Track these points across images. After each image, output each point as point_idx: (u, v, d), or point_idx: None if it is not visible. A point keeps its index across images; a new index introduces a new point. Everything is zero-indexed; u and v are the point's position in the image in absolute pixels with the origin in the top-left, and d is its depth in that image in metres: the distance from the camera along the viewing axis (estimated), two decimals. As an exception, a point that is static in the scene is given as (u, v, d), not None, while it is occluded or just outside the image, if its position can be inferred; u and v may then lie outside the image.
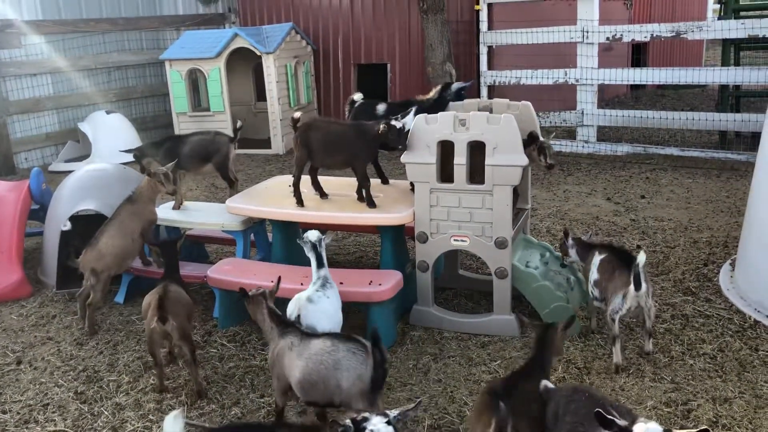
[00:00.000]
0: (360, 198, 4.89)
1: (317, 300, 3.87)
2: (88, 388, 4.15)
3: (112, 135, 10.16)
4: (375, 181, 5.51)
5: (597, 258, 4.32)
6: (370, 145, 4.74)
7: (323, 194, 5.02)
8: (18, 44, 9.84)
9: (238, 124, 5.71)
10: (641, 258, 3.87)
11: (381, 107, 5.39)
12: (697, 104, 12.91)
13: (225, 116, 10.75)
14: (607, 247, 4.45)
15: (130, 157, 6.12)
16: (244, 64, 11.37)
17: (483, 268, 5.50)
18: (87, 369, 4.38)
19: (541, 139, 4.74)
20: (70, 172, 6.31)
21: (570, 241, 4.63)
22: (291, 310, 3.88)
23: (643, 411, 3.63)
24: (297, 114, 4.91)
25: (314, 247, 4.04)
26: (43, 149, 10.84)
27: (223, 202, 5.29)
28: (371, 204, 4.76)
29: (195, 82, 11.39)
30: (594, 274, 4.30)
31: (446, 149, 4.49)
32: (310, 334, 3.48)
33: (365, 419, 2.58)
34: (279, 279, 3.92)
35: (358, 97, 5.61)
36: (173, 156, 5.54)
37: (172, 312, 3.91)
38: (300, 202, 4.85)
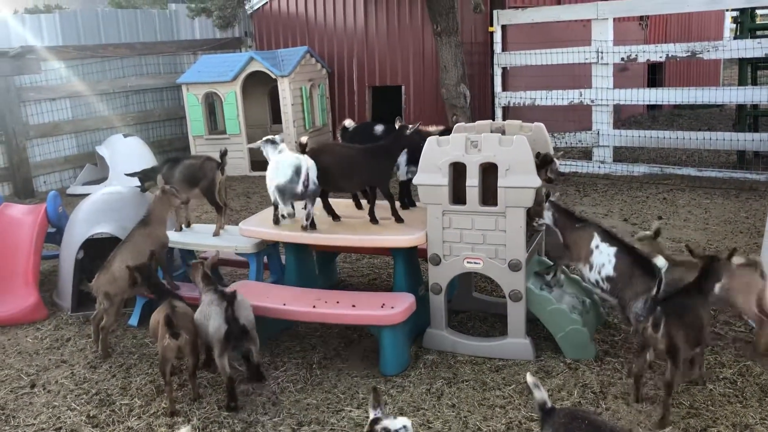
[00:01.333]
0: (372, 220, 4.88)
1: None
2: (100, 412, 4.14)
3: (130, 158, 10.24)
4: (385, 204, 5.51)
5: (606, 247, 4.29)
6: (390, 163, 4.89)
7: (336, 216, 5.01)
8: (38, 69, 10.02)
9: (223, 149, 5.71)
10: (663, 263, 4.05)
11: (379, 128, 5.40)
12: (715, 124, 12.81)
13: (241, 138, 10.84)
14: (608, 234, 4.40)
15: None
16: (260, 87, 11.47)
17: (497, 291, 5.45)
18: (100, 392, 4.37)
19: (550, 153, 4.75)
20: (87, 194, 6.37)
21: (547, 203, 4.56)
22: None
23: (661, 437, 3.55)
24: (303, 138, 4.96)
25: None
26: (61, 172, 10.98)
27: (236, 225, 5.30)
28: (399, 219, 4.84)
29: (211, 105, 11.51)
30: (609, 270, 4.24)
31: (458, 170, 4.47)
32: (223, 292, 4.21)
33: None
34: (217, 252, 4.89)
35: (349, 123, 5.65)
36: (169, 179, 5.63)
37: (182, 327, 4.00)
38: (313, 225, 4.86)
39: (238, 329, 4.07)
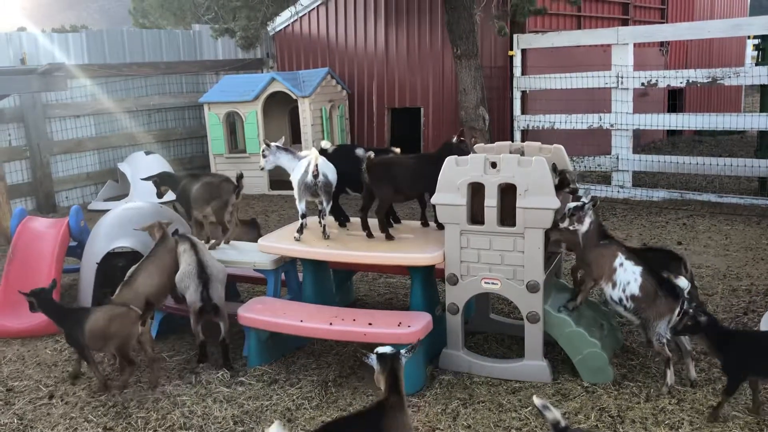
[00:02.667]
0: (388, 237, 4.90)
1: None
2: (116, 424, 4.15)
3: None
4: (406, 223, 5.53)
5: (632, 266, 4.27)
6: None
7: (389, 235, 5.00)
8: (64, 87, 10.17)
9: (239, 172, 5.80)
10: (685, 284, 4.08)
11: (359, 151, 5.43)
12: (736, 151, 12.74)
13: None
14: (632, 252, 4.40)
15: (167, 196, 6.26)
16: (281, 108, 11.60)
17: (514, 312, 5.42)
18: (116, 405, 4.39)
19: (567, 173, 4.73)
20: (108, 210, 6.45)
21: (592, 211, 4.41)
22: None
23: (680, 463, 3.50)
24: (324, 143, 5.08)
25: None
26: (83, 188, 11.15)
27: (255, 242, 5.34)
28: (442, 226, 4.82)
29: (232, 124, 11.65)
30: (634, 288, 4.23)
31: (477, 190, 4.48)
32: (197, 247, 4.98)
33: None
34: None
35: (326, 144, 5.67)
36: (186, 194, 5.74)
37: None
38: (389, 236, 4.95)
39: (211, 307, 4.81)
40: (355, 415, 3.65)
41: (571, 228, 4.40)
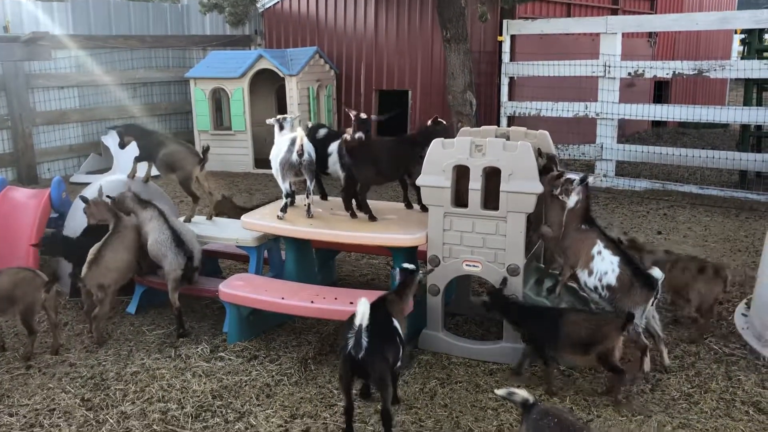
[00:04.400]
0: (371, 218, 4.93)
1: None
2: (94, 396, 4.16)
3: (134, 149, 10.28)
4: (390, 204, 5.55)
5: (609, 255, 4.30)
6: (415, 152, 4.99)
7: (372, 216, 5.02)
8: (48, 57, 10.06)
9: (205, 146, 5.79)
10: (659, 275, 4.16)
11: (322, 131, 5.45)
12: (719, 143, 12.86)
13: (246, 136, 10.89)
14: (610, 240, 4.44)
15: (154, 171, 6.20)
16: (268, 86, 11.52)
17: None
18: (95, 377, 4.40)
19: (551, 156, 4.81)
20: (90, 183, 6.40)
21: (581, 186, 4.42)
22: None
23: (650, 446, 3.57)
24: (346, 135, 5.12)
25: None
26: (65, 161, 11.03)
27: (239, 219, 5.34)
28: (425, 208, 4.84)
29: (218, 101, 11.55)
30: (611, 278, 4.25)
31: (461, 173, 4.50)
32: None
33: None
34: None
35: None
36: (151, 152, 5.79)
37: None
38: (372, 217, 4.95)
39: (192, 271, 4.97)
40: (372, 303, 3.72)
41: (560, 197, 4.47)
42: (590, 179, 4.47)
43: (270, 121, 5.47)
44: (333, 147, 5.23)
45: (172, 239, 4.95)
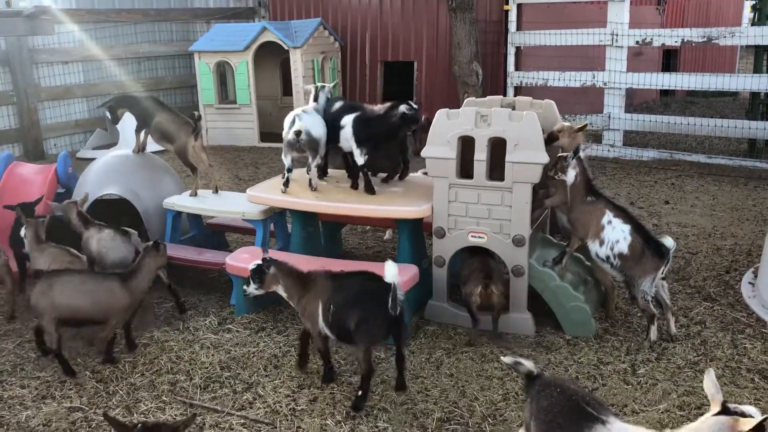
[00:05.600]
0: (355, 185, 5.00)
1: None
2: (104, 368, 4.21)
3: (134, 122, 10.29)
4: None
5: (620, 224, 4.31)
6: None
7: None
8: (51, 31, 9.97)
9: (197, 114, 5.75)
10: (672, 244, 4.21)
11: (338, 104, 5.22)
12: (728, 112, 12.73)
13: (251, 109, 10.85)
14: (620, 209, 4.45)
15: (156, 145, 6.19)
16: (272, 58, 11.45)
17: (504, 272, 5.46)
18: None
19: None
20: (96, 159, 6.41)
21: (574, 160, 4.39)
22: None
23: (656, 414, 3.60)
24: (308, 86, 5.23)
25: None
26: (71, 136, 11.03)
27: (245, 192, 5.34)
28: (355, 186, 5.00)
29: (223, 74, 11.50)
30: (623, 247, 4.27)
31: (467, 144, 4.48)
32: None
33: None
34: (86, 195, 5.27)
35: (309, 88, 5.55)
36: (146, 119, 5.75)
37: None
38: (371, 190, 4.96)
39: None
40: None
41: (556, 177, 4.44)
42: (582, 152, 4.43)
43: (308, 87, 5.33)
44: (347, 120, 5.00)
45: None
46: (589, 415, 2.55)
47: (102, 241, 4.87)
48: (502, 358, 3.05)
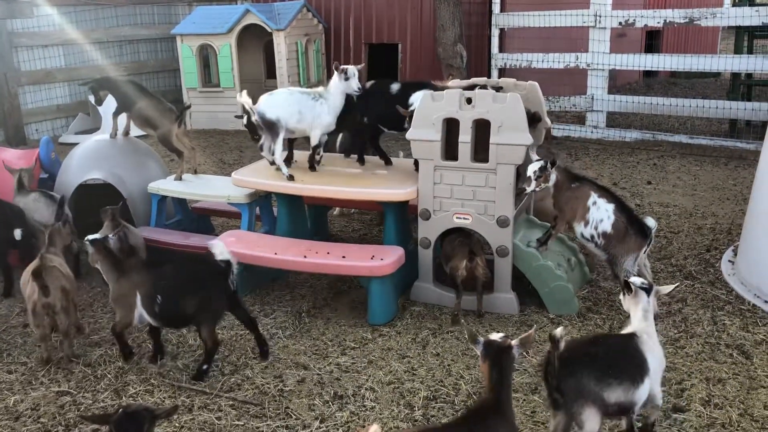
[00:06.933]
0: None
1: None
2: (92, 352, 4.22)
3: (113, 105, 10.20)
4: (378, 160, 5.55)
5: (604, 203, 4.40)
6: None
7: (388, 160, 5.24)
8: (30, 14, 9.87)
9: (187, 103, 5.77)
10: (654, 224, 4.33)
11: (395, 86, 5.11)
12: (709, 93, 12.82)
13: (235, 93, 10.71)
14: (604, 189, 4.53)
15: (139, 130, 6.15)
16: (255, 41, 11.36)
17: (484, 248, 5.52)
18: (91, 334, 4.45)
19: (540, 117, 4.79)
20: (78, 144, 6.36)
21: (554, 169, 4.40)
22: None
23: (637, 389, 3.67)
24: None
25: None
26: (53, 121, 10.92)
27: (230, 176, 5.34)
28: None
29: (206, 58, 11.40)
30: (606, 226, 4.36)
31: (451, 127, 4.50)
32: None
33: None
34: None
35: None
36: (127, 104, 5.75)
37: (53, 285, 3.93)
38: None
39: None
40: None
41: (538, 189, 4.45)
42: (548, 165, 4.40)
43: (342, 66, 4.92)
44: (415, 97, 4.79)
45: None
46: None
47: (27, 203, 5.19)
48: (554, 331, 2.78)
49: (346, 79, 4.85)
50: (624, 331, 3.17)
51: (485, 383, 2.75)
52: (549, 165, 4.40)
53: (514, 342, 2.72)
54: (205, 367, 3.91)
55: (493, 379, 2.68)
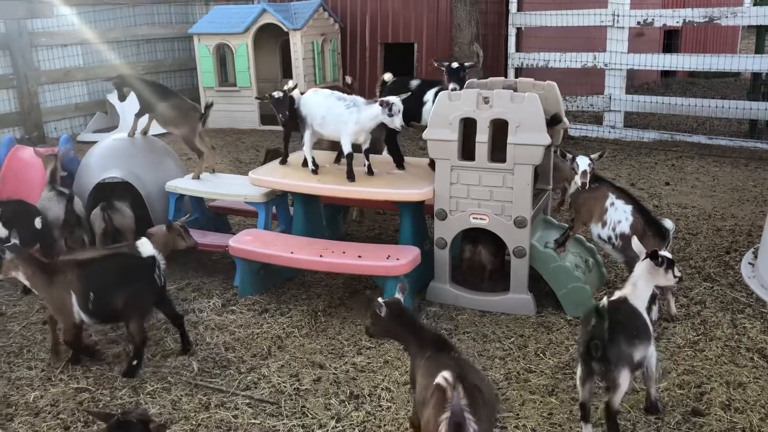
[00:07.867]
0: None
1: None
2: (109, 349, 4.25)
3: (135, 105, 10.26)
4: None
5: (622, 205, 4.40)
6: None
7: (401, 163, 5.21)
8: (50, 14, 9.93)
9: (209, 101, 5.80)
10: (672, 225, 4.31)
11: (414, 82, 5.31)
12: (729, 93, 12.69)
13: (251, 92, 10.81)
14: (622, 191, 4.53)
15: (159, 128, 6.18)
16: (272, 41, 11.40)
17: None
18: (108, 332, 4.48)
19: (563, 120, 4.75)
20: (97, 142, 6.41)
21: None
22: None
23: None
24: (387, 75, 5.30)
25: None
26: (72, 119, 11.00)
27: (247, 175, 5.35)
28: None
29: (223, 57, 11.45)
30: (625, 227, 4.35)
31: (468, 126, 4.49)
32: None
33: None
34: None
35: (388, 77, 5.59)
36: (150, 103, 5.76)
37: None
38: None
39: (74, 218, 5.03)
40: None
41: (586, 188, 4.41)
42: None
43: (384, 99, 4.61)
44: (429, 95, 5.00)
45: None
46: None
47: (42, 200, 5.20)
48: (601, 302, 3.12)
49: (390, 115, 4.54)
50: (615, 297, 3.33)
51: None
52: (598, 157, 4.44)
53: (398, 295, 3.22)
54: (135, 362, 3.94)
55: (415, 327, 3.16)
